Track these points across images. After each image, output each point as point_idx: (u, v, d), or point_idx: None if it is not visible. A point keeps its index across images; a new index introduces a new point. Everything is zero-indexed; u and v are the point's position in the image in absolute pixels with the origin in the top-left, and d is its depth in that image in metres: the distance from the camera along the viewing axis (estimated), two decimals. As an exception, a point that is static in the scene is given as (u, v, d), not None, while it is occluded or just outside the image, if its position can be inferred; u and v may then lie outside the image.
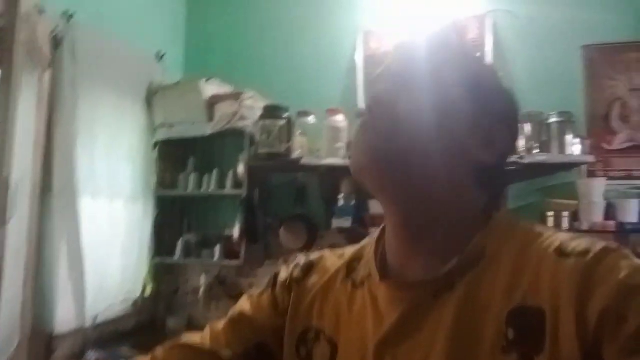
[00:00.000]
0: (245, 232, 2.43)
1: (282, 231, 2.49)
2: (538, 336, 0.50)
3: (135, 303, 2.46)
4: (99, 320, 2.16)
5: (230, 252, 2.49)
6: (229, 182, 2.50)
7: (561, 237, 0.57)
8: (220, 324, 0.71)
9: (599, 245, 0.53)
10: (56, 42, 1.95)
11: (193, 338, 0.71)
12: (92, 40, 2.11)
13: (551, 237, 0.57)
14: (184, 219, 2.75)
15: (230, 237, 2.51)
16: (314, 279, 0.71)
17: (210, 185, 2.55)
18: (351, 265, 0.69)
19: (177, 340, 0.70)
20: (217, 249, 2.53)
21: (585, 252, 0.52)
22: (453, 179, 0.60)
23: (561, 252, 0.54)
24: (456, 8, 2.44)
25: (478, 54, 0.71)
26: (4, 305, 1.75)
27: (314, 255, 0.75)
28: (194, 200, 2.73)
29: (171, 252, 2.60)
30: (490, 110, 0.62)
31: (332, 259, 0.73)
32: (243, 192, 2.43)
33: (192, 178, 2.58)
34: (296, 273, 0.72)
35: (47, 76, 1.89)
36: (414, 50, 0.64)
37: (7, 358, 1.78)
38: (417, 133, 0.58)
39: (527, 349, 0.50)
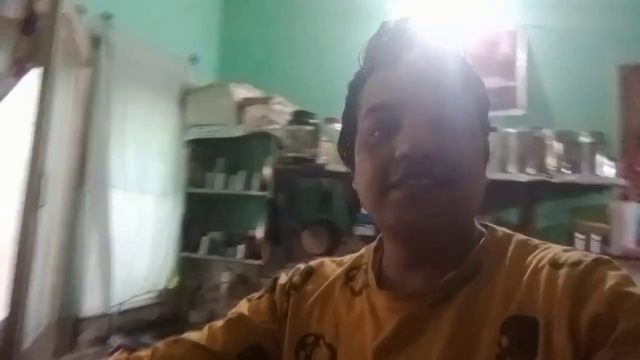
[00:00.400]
0: (268, 233, 2.48)
1: (305, 235, 2.52)
2: (531, 344, 0.51)
3: (160, 295, 2.55)
4: (124, 307, 2.26)
5: (253, 252, 2.54)
6: (255, 184, 2.56)
7: (554, 250, 0.58)
8: (219, 324, 0.72)
9: (590, 256, 0.55)
10: (94, 42, 2.05)
11: (192, 335, 0.72)
12: (128, 41, 2.21)
13: (545, 250, 0.59)
14: (211, 217, 2.82)
15: (254, 238, 2.56)
16: (313, 286, 0.72)
17: (236, 185, 2.61)
18: (350, 273, 0.70)
19: (178, 336, 0.72)
20: (241, 248, 2.58)
21: (578, 262, 0.54)
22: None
23: (555, 263, 0.55)
24: (487, 22, 2.40)
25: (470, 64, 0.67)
26: (35, 288, 1.86)
27: (313, 262, 0.76)
28: (220, 199, 2.80)
29: (197, 248, 2.68)
30: (487, 128, 0.63)
31: (332, 266, 0.74)
32: (268, 194, 2.47)
33: (220, 178, 2.66)
34: (295, 279, 0.73)
35: (84, 74, 1.99)
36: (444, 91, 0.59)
37: (36, 337, 1.87)
38: (475, 186, 0.59)
39: (520, 356, 0.52)
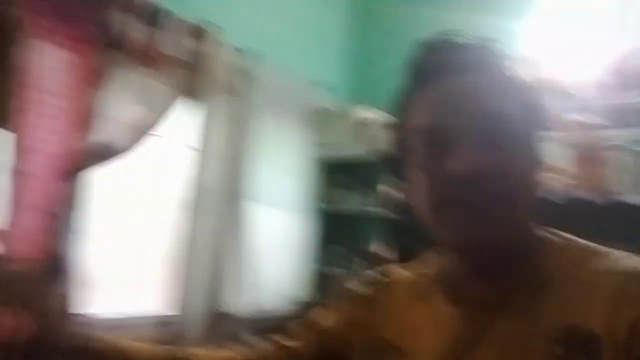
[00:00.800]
0: (395, 252, 2.55)
1: (427, 254, 2.52)
2: (585, 355, 0.52)
3: (292, 303, 2.76)
4: (260, 311, 2.49)
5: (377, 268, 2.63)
6: (381, 203, 2.66)
7: (614, 256, 0.58)
8: (301, 327, 0.79)
9: None
10: (240, 73, 2.34)
11: (281, 337, 0.80)
12: (267, 69, 2.50)
13: (605, 256, 0.59)
14: (341, 233, 2.98)
15: (380, 256, 2.65)
16: (383, 292, 0.75)
17: (363, 203, 2.76)
18: (417, 280, 0.73)
19: (273, 337, 0.80)
20: (367, 265, 2.69)
21: (636, 270, 0.54)
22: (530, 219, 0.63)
23: (613, 271, 0.55)
24: (623, 37, 2.21)
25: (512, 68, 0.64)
26: (190, 285, 2.18)
27: (383, 269, 0.79)
28: (351, 216, 2.94)
29: (325, 262, 2.86)
30: (539, 136, 0.63)
31: (400, 272, 0.77)
32: (395, 213, 2.55)
33: (347, 195, 2.83)
34: (366, 286, 0.78)
35: (232, 102, 2.29)
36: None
37: (189, 327, 2.18)
38: (529, 197, 0.60)
39: None
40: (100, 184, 1.80)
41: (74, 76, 1.43)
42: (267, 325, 2.56)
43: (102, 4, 1.52)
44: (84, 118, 1.53)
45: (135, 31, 1.76)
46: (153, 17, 1.83)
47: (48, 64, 1.33)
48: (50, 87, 1.35)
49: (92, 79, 1.52)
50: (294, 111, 2.79)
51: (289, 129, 2.76)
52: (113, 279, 2.06)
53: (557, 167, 2.02)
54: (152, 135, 1.94)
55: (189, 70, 2.02)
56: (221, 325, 2.35)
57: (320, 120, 2.88)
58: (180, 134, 2.19)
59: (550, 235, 0.64)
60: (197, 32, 2.04)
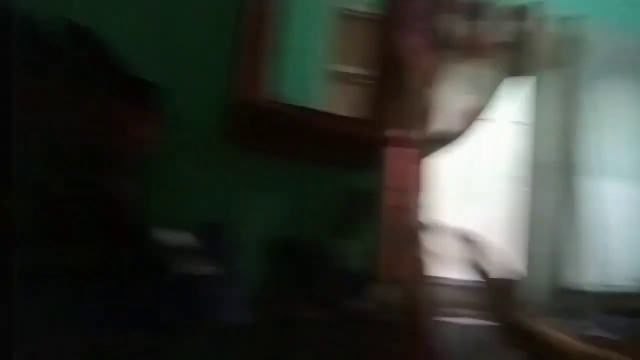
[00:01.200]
0: None
1: None
2: None
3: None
4: (606, 288, 2.36)
5: None
6: None
7: None
8: None
9: None
10: (567, 42, 2.26)
11: None
12: (597, 33, 2.32)
13: None
14: None
15: None
16: None
17: None
18: None
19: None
20: None
21: None
22: None
23: None
24: None
25: None
26: (531, 260, 2.28)
27: None
28: None
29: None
30: None
31: None
32: None
33: None
34: None
35: (562, 72, 2.25)
36: None
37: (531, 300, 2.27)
38: None
39: None
40: (445, 164, 2.07)
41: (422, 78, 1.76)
42: (614, 303, 2.42)
43: (436, 13, 1.80)
44: (431, 111, 1.84)
45: (461, 27, 1.97)
46: (475, 11, 2.00)
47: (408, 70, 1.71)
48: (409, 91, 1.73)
49: (434, 77, 1.82)
50: (634, 73, 2.52)
51: (630, 93, 2.51)
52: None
53: None
54: (485, 118, 2.11)
55: (515, 51, 2.10)
56: (564, 301, 2.34)
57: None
58: (511, 111, 2.30)
59: None
60: (519, 13, 2.11)
